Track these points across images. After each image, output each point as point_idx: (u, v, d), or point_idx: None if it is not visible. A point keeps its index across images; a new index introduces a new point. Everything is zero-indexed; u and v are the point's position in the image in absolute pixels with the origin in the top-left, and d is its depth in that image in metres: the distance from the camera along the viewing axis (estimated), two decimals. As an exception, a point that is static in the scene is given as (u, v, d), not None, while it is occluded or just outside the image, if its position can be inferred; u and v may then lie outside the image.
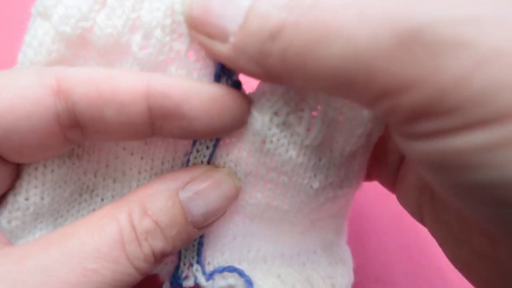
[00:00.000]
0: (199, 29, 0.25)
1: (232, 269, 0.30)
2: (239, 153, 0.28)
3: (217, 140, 0.29)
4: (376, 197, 0.40)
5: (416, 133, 0.20)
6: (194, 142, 0.29)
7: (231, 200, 0.28)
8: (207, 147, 0.29)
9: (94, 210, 0.31)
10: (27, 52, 0.26)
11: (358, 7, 0.20)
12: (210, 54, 0.26)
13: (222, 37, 0.24)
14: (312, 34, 0.20)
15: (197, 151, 0.29)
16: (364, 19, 0.19)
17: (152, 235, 0.24)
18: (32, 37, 0.26)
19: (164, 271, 0.32)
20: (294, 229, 0.33)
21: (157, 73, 0.26)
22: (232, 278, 0.31)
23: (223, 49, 0.24)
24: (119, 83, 0.25)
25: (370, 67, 0.19)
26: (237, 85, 0.27)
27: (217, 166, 0.28)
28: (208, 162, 0.29)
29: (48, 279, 0.21)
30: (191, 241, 0.28)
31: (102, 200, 0.31)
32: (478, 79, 0.17)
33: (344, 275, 0.34)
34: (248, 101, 0.27)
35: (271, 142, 0.27)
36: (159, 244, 0.24)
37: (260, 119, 0.27)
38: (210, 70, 0.27)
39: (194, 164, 0.29)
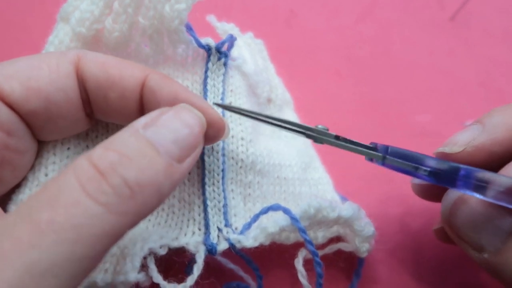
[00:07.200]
0: (455, 234, 0.28)
1: (255, 218, 0.31)
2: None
3: None
4: (376, 198, 0.40)
5: None
6: None
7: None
8: None
9: None
10: (49, 49, 0.31)
11: None
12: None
13: (477, 248, 0.27)
14: None
15: None
16: None
17: (121, 165, 0.21)
18: (54, 36, 0.31)
19: (193, 242, 0.31)
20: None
21: (155, 71, 0.29)
22: (260, 226, 0.31)
23: (476, 255, 0.27)
24: (126, 70, 0.28)
25: None
26: None
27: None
28: None
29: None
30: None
31: None
32: None
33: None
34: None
35: None
36: (131, 173, 0.21)
37: None
38: (201, 74, 0.34)
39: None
